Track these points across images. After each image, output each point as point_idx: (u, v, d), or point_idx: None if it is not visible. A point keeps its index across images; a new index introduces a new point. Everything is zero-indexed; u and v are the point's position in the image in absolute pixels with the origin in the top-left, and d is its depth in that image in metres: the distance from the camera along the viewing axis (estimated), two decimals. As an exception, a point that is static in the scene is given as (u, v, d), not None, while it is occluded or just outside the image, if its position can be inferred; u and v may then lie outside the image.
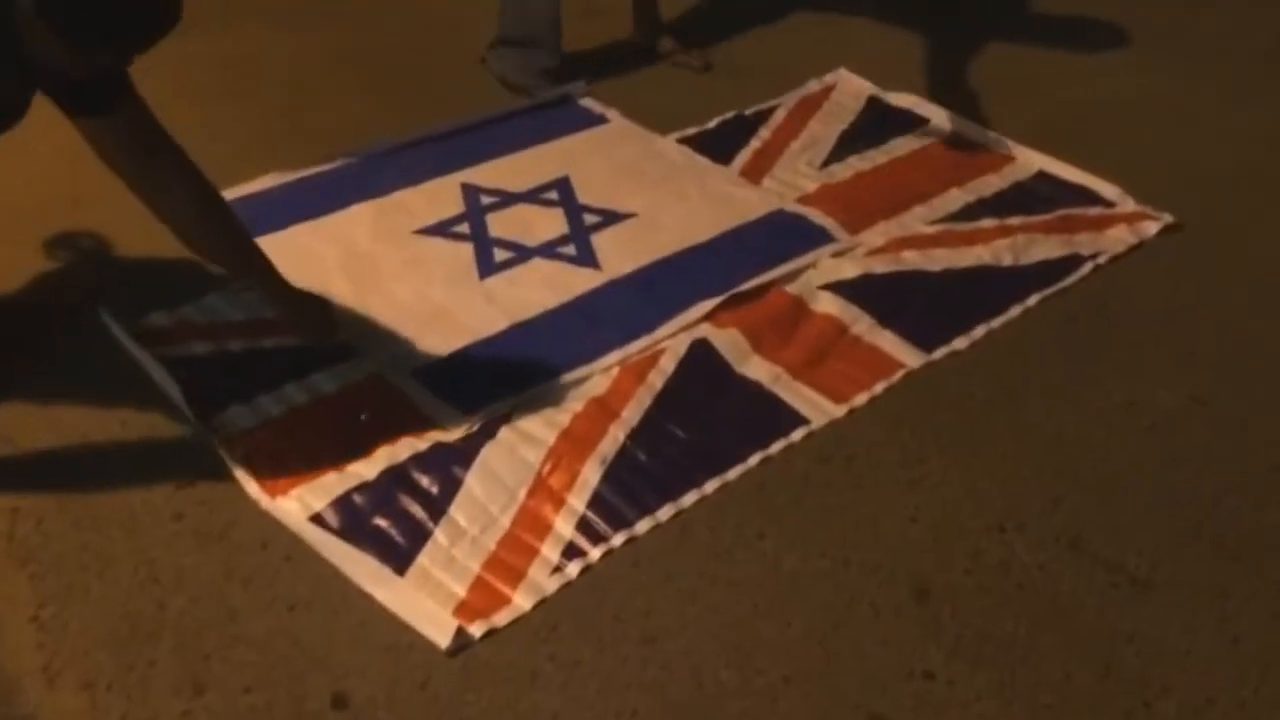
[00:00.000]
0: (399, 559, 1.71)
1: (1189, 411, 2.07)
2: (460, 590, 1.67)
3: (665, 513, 1.80)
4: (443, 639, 1.59)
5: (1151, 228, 2.50)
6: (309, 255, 2.31)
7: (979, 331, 2.20)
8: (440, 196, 2.51)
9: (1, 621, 1.59)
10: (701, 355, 2.11)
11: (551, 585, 1.68)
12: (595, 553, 1.73)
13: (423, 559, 1.71)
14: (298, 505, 1.77)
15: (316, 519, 1.75)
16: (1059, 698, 1.57)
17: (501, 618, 1.63)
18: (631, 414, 1.96)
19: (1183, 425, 2.04)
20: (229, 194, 2.44)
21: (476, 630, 1.61)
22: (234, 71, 2.94)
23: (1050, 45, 3.26)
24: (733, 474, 1.88)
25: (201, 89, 2.82)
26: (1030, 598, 1.71)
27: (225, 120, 2.70)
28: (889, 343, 2.16)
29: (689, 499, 1.83)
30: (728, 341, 2.13)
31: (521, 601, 1.66)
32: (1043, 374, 2.13)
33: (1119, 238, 2.47)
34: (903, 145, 2.79)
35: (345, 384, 2.01)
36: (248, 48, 3.05)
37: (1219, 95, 3.08)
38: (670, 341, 2.12)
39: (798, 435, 1.96)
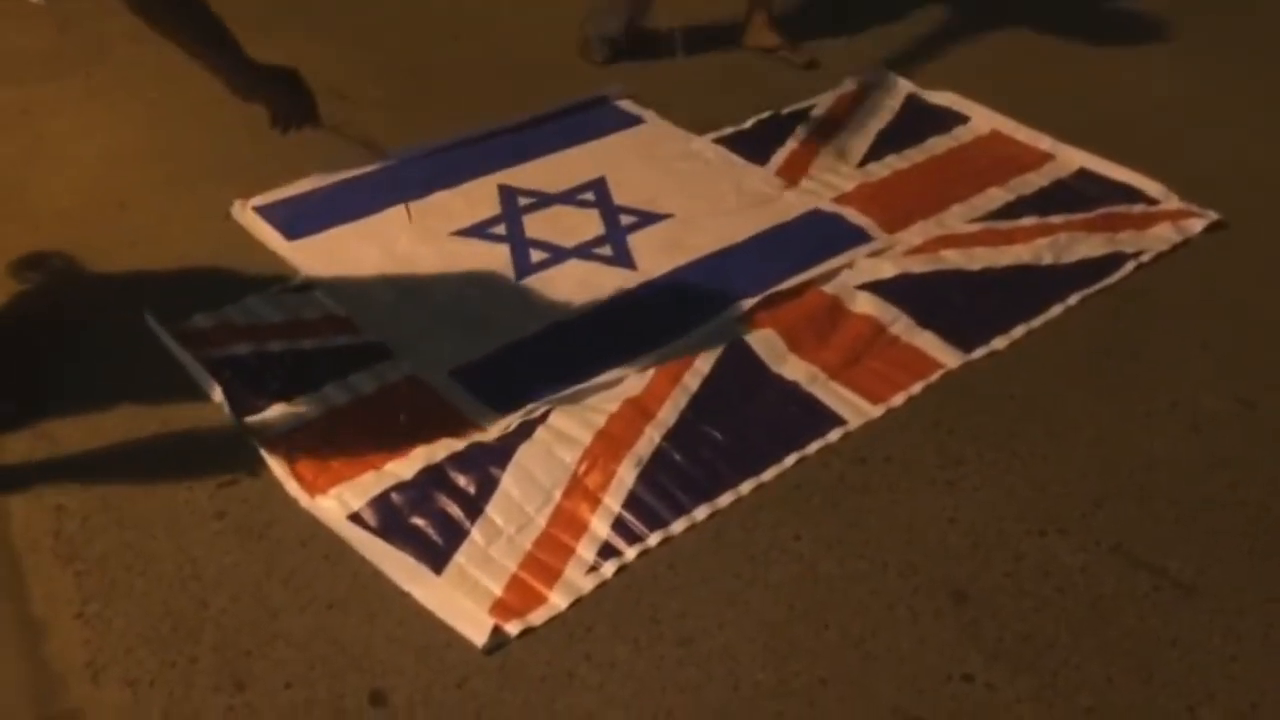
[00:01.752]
0: (436, 558, 1.72)
1: (1234, 414, 2.03)
2: (497, 589, 1.67)
3: (701, 513, 1.80)
4: (479, 638, 1.60)
5: (1196, 225, 2.47)
6: (348, 256, 2.33)
7: (1018, 331, 2.18)
8: (477, 198, 2.52)
9: (48, 618, 1.62)
10: (737, 355, 2.10)
11: (588, 585, 1.69)
12: (631, 553, 1.74)
13: (460, 558, 1.72)
14: (337, 504, 1.79)
15: (355, 518, 1.77)
16: (1101, 701, 1.55)
17: (538, 617, 1.64)
18: (667, 415, 1.96)
19: (1227, 428, 2.00)
20: (270, 196, 2.49)
21: (513, 629, 1.62)
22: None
23: (1092, 44, 3.22)
24: (768, 475, 1.87)
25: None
26: (1071, 601, 1.69)
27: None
28: (927, 343, 2.14)
29: (725, 500, 1.83)
30: (764, 342, 2.12)
31: (558, 601, 1.66)
32: (1084, 375, 2.10)
33: (1163, 235, 2.44)
34: (941, 144, 2.77)
35: (384, 384, 2.03)
36: (287, 54, 3.08)
37: (1263, 94, 3.03)
38: (706, 342, 2.12)
39: (834, 436, 1.95)
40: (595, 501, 1.81)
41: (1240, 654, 1.62)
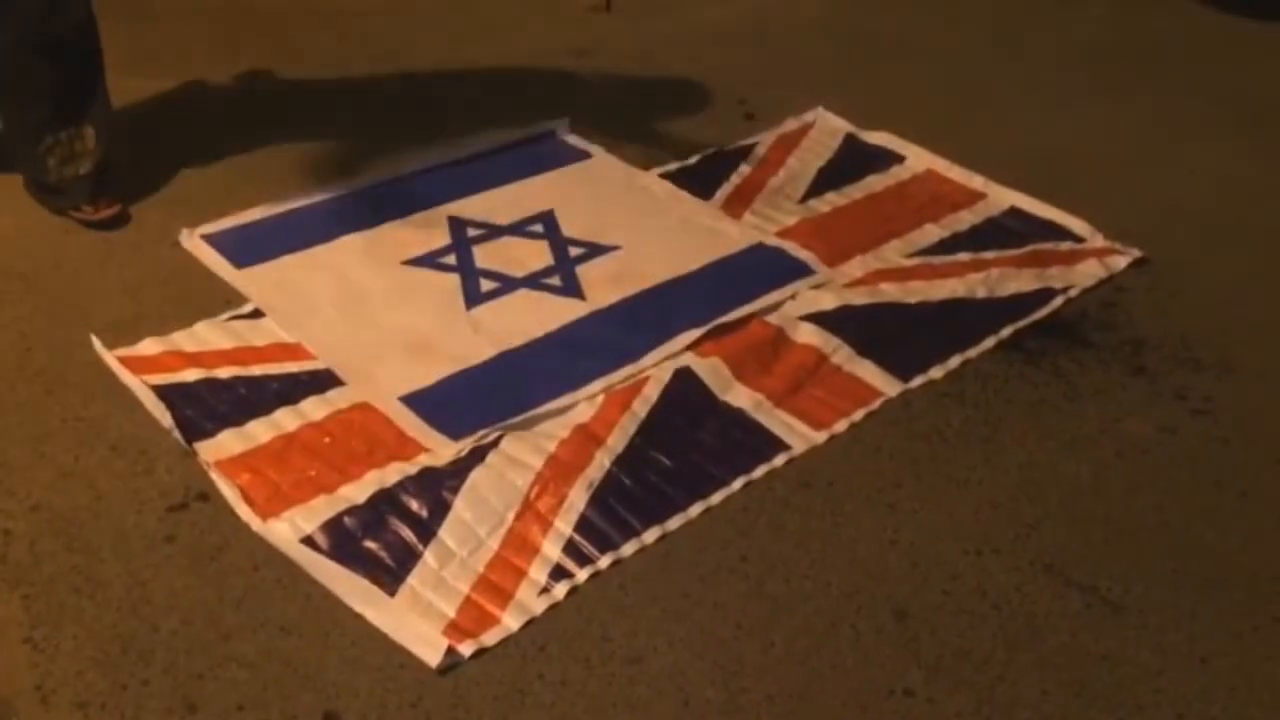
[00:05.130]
0: (390, 580, 1.74)
1: (1157, 440, 2.13)
2: (450, 611, 1.70)
3: (651, 536, 1.84)
4: (433, 658, 1.62)
5: (1121, 262, 2.58)
6: (299, 285, 2.35)
7: (954, 361, 2.26)
8: (428, 228, 2.55)
9: (-6, 642, 1.61)
10: (685, 383, 2.15)
11: (539, 606, 1.72)
12: (582, 575, 1.77)
13: (412, 580, 1.74)
14: (289, 527, 1.80)
15: (308, 541, 1.78)
16: (1036, 714, 1.62)
17: (490, 637, 1.66)
18: (616, 441, 2.01)
19: (1151, 453, 2.10)
20: (218, 224, 2.50)
21: (466, 650, 1.64)
22: (238, 105, 3.00)
23: (1020, 85, 3.36)
24: (716, 498, 1.92)
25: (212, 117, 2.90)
26: (1007, 619, 1.76)
27: (229, 150, 2.74)
28: (868, 371, 2.21)
29: (674, 523, 1.87)
30: (710, 370, 2.18)
31: (510, 622, 1.69)
32: (1015, 403, 2.19)
33: (1089, 272, 2.54)
34: (879, 181, 2.86)
35: (334, 410, 2.04)
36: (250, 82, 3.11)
37: (1185, 133, 3.17)
38: (654, 370, 2.17)
39: (779, 461, 2.01)
40: (546, 524, 1.84)
41: (1166, 668, 1.70)
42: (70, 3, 2.32)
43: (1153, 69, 3.52)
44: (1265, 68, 3.54)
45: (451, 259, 2.47)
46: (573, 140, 2.94)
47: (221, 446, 1.94)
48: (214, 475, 1.88)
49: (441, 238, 2.53)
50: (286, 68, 3.18)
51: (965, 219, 2.73)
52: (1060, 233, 2.69)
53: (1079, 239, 2.67)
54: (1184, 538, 1.92)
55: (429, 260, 2.46)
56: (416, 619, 1.68)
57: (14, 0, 2.27)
